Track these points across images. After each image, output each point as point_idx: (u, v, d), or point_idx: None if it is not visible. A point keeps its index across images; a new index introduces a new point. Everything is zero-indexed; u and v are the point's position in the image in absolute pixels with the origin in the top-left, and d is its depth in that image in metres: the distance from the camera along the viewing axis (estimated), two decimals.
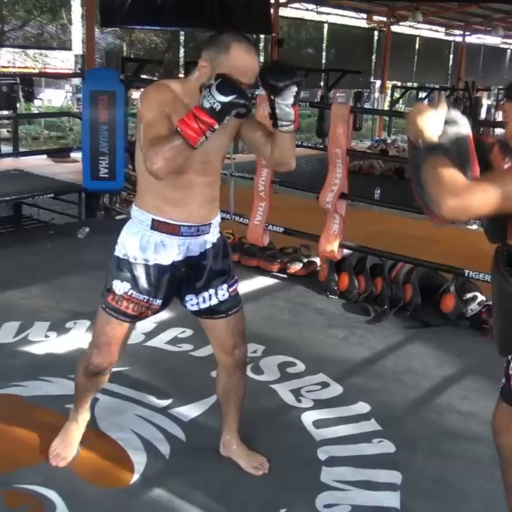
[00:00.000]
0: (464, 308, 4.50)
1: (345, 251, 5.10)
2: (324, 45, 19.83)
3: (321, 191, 4.99)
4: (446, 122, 1.84)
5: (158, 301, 2.49)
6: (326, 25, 19.75)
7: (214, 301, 2.53)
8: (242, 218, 5.55)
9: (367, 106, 21.46)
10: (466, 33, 23.44)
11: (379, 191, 8.51)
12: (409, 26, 21.30)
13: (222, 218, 2.64)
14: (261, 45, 18.54)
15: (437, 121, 1.81)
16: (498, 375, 3.03)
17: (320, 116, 17.34)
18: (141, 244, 2.40)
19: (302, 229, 5.42)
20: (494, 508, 2.65)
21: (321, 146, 5.71)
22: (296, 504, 2.64)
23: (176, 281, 2.49)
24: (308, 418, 3.27)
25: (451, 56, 24.29)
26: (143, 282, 2.42)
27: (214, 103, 2.02)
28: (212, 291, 2.51)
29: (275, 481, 2.76)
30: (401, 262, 4.88)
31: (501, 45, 26.39)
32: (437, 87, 21.90)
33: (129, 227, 2.44)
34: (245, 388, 2.77)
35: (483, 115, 19.79)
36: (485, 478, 2.84)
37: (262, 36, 17.63)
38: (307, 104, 6.64)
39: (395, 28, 20.48)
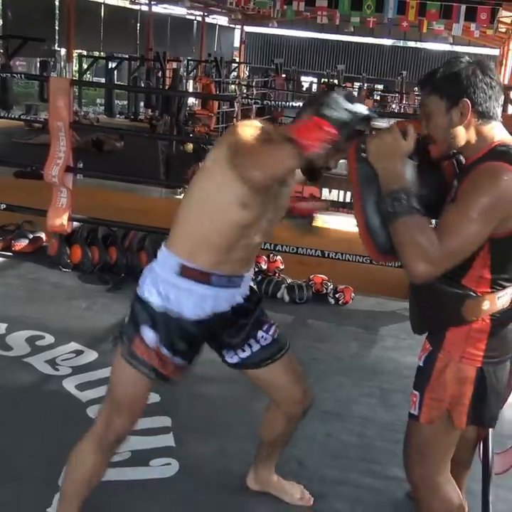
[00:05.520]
0: None
1: (75, 224, 5.36)
2: None
3: (46, 165, 5.17)
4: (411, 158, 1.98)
5: (182, 362, 2.28)
6: None
7: (256, 348, 2.41)
8: None
9: (53, 75, 21.43)
10: (152, 3, 24.35)
11: (81, 165, 8.76)
12: None
13: None
14: None
15: (405, 156, 1.97)
16: None
17: (3, 87, 16.93)
18: (165, 292, 2.21)
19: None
20: (255, 432, 3.19)
21: (41, 120, 5.85)
22: None
23: (204, 338, 2.35)
24: (70, 383, 3.56)
25: (138, 25, 25.03)
26: (167, 336, 2.22)
27: (342, 112, 1.84)
28: (252, 340, 2.41)
29: (53, 442, 3.01)
30: (133, 231, 5.28)
31: (187, 16, 27.87)
32: (126, 57, 22.48)
33: (154, 270, 2.27)
34: None
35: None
36: (245, 411, 3.39)
37: None
38: (22, 76, 6.68)
39: None
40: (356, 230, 2.11)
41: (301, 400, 2.50)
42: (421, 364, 2.15)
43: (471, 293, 2.00)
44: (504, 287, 2.02)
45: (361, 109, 1.89)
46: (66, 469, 2.36)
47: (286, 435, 2.66)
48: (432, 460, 2.18)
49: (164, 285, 2.22)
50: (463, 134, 1.97)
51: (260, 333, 2.41)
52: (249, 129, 2.09)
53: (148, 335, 2.20)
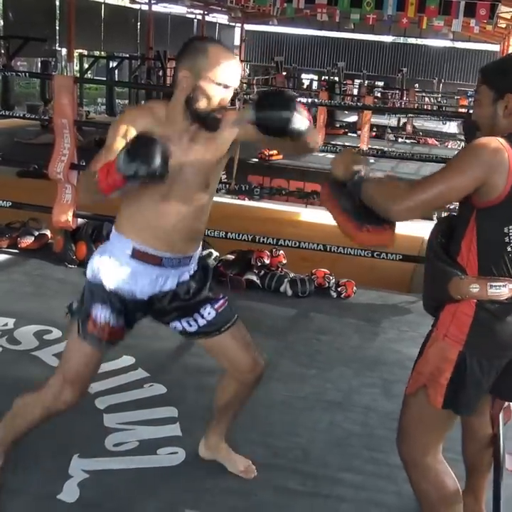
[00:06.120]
0: None
1: (80, 221, 5.44)
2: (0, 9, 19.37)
3: (50, 162, 5.25)
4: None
5: (126, 327, 2.49)
6: None
7: (202, 322, 2.54)
8: None
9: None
10: (152, 2, 24.42)
11: (84, 163, 8.84)
12: None
13: None
14: None
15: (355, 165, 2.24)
16: None
17: (4, 87, 17.03)
18: (118, 272, 2.39)
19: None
20: (259, 421, 3.29)
21: (46, 118, 5.93)
22: (87, 449, 3.00)
23: (151, 311, 2.54)
24: None
25: (139, 24, 25.12)
26: (117, 310, 2.41)
27: (129, 168, 1.98)
28: (196, 315, 2.53)
29: (62, 431, 3.08)
30: None
31: (187, 15, 27.94)
32: (127, 56, 22.56)
33: (106, 253, 2.42)
34: None
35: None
36: (248, 401, 3.45)
37: None
38: (27, 74, 6.77)
39: None
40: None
41: (253, 368, 2.59)
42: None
43: (459, 271, 2.09)
44: (496, 276, 2.07)
45: (147, 164, 1.97)
46: (8, 414, 2.57)
47: (239, 402, 2.76)
48: (415, 438, 2.27)
49: (116, 266, 2.39)
50: (503, 126, 2.07)
51: (207, 308, 2.53)
52: (116, 129, 2.26)
53: (100, 314, 2.39)
